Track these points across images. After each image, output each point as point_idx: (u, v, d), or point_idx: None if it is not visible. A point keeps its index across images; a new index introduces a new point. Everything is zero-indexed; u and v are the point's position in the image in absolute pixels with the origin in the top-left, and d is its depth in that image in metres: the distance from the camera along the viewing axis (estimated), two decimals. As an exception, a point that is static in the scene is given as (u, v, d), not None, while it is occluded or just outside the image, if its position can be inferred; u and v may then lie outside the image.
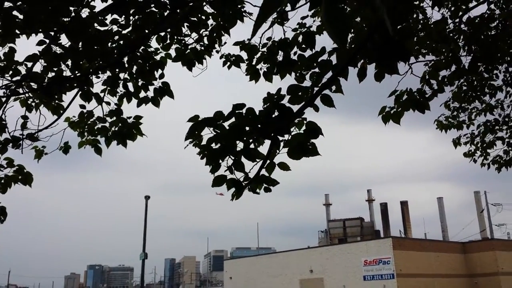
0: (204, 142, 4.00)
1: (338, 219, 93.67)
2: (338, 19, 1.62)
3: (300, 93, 3.87)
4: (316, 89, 3.80)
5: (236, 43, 5.34)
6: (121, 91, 5.67)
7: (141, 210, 34.45)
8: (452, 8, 6.64)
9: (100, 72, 5.47)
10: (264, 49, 5.14)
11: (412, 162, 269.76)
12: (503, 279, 47.84)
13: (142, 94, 5.53)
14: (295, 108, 3.99)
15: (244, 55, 5.36)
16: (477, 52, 5.34)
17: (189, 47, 5.44)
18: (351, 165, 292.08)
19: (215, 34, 5.30)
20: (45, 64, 4.85)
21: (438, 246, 50.42)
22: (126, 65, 5.54)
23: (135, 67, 5.62)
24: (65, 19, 4.17)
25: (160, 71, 5.53)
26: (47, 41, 4.55)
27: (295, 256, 56.02)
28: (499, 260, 48.51)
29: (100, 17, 4.55)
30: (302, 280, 53.44)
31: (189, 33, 5.37)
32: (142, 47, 5.62)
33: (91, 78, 5.09)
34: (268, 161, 4.23)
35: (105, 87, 5.60)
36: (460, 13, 5.64)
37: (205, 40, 5.42)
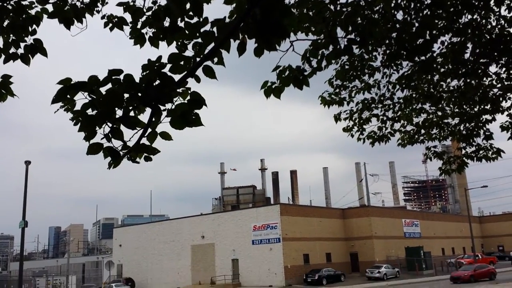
0: (78, 108, 3.79)
1: (232, 186, 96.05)
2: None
3: (182, 63, 3.82)
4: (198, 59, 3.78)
5: (119, 4, 5.06)
6: (-13, 46, 5.12)
7: (22, 176, 32.04)
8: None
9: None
10: (150, 12, 4.95)
11: (304, 134, 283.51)
12: (376, 242, 53.23)
13: (13, 50, 5.05)
14: (177, 77, 3.94)
15: (128, 17, 5.10)
16: (353, 34, 5.71)
17: (68, 3, 5.03)
18: (250, 134, 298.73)
19: (97, -8, 4.96)
20: None
21: (321, 212, 54.28)
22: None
23: (6, 21, 5.10)
24: None
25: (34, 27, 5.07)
26: None
27: (187, 223, 56.54)
28: (373, 225, 53.77)
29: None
30: (194, 246, 54.28)
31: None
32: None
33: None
34: (150, 130, 4.16)
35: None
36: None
37: (86, -3, 5.05)
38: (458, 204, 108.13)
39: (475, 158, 10.06)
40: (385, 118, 9.81)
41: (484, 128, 9.98)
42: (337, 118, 9.67)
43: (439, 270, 52.40)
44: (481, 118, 9.90)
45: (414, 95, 9.37)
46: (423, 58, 7.96)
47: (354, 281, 45.29)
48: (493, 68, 8.91)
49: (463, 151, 10.41)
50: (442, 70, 8.72)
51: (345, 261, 53.37)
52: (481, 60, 8.53)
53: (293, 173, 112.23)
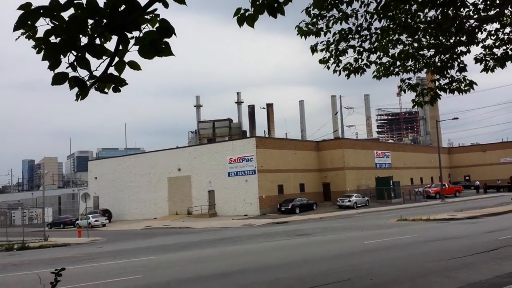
0: (40, 35, 3.56)
1: (208, 120, 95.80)
2: None
3: (149, -14, 3.58)
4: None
5: None
6: None
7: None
8: None
9: None
10: None
11: (281, 67, 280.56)
12: (348, 172, 54.92)
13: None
14: (144, 2, 3.72)
15: None
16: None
17: None
18: (226, 67, 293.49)
19: None
20: None
21: (295, 145, 55.15)
22: None
23: None
24: None
25: None
26: None
27: (163, 155, 56.80)
28: (346, 156, 55.19)
29: None
30: (170, 178, 54.96)
31: None
32: None
33: None
34: (117, 59, 3.98)
35: None
36: None
37: None
38: (429, 136, 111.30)
39: (448, 90, 10.17)
40: (361, 50, 9.68)
41: (459, 60, 10.01)
42: (313, 49, 9.49)
43: (407, 199, 54.88)
44: (456, 50, 9.89)
45: (391, 26, 9.21)
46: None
47: (325, 209, 47.13)
48: (471, -2, 8.77)
49: (437, 83, 10.48)
50: (420, -1, 8.53)
51: (318, 191, 55.17)
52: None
53: (269, 106, 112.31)
